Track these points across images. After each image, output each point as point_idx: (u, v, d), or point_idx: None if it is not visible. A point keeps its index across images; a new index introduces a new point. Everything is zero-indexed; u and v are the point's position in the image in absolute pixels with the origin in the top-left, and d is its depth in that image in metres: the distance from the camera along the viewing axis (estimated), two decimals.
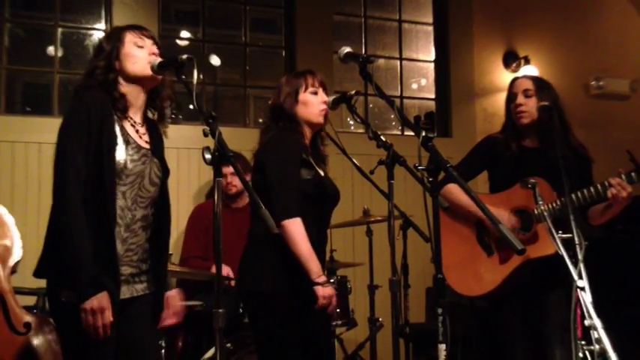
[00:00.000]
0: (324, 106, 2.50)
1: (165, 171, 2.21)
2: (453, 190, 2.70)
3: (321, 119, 2.52)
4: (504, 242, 1.70)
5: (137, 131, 2.14)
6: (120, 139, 2.05)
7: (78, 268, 1.90)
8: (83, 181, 1.95)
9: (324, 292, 2.30)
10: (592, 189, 2.49)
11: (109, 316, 1.91)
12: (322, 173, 2.54)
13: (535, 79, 2.76)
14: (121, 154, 2.03)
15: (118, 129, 2.06)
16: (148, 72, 2.11)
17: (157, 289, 2.18)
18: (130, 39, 2.15)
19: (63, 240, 1.93)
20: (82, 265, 1.90)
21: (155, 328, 2.22)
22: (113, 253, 1.99)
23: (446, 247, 2.86)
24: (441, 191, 2.75)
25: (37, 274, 2.05)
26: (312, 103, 2.50)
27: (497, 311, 2.72)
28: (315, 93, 2.52)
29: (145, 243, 2.14)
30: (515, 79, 2.81)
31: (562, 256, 2.39)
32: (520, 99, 2.67)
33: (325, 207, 2.56)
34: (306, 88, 2.51)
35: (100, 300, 1.90)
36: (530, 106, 2.65)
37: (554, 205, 2.52)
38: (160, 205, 2.20)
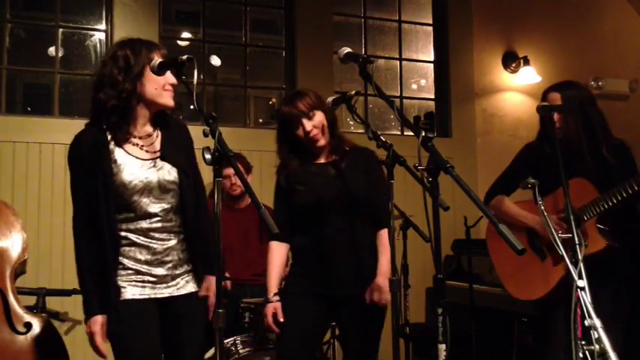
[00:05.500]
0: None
1: (182, 174, 2.20)
2: (501, 200, 2.80)
3: None
4: (506, 242, 1.70)
5: (141, 146, 2.16)
6: (119, 164, 2.09)
7: (82, 293, 2.10)
8: (88, 209, 2.08)
9: (267, 309, 2.49)
10: (629, 181, 2.45)
11: (98, 340, 2.05)
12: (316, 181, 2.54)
13: (563, 92, 2.69)
14: (119, 178, 2.08)
15: (117, 154, 2.10)
16: (172, 103, 2.17)
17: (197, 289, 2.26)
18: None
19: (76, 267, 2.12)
20: (84, 290, 2.09)
21: (199, 325, 2.26)
22: (109, 273, 2.08)
23: (500, 256, 2.85)
24: (491, 203, 2.82)
25: None
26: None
27: (546, 312, 2.68)
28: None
29: (177, 245, 2.19)
30: (546, 93, 2.75)
31: (612, 251, 2.48)
32: (555, 116, 2.63)
33: (320, 211, 2.50)
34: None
35: (90, 325, 2.06)
36: (561, 121, 2.65)
37: (592, 202, 2.52)
38: (185, 210, 2.22)
